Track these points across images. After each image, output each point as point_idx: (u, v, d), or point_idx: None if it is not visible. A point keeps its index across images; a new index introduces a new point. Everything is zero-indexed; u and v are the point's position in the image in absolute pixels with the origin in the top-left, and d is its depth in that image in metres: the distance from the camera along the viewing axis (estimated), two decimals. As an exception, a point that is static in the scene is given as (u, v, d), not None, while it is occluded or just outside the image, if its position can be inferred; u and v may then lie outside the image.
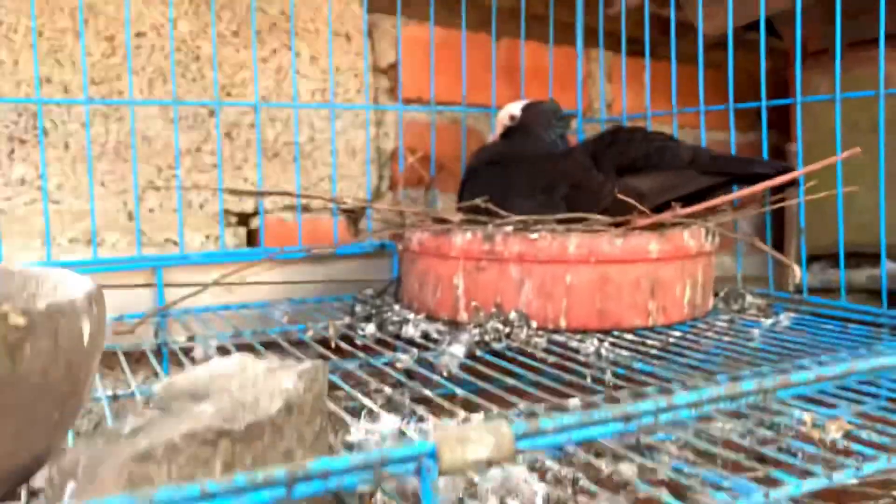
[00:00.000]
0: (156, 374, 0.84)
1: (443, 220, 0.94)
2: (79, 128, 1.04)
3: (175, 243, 1.09)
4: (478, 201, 0.94)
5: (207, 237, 1.12)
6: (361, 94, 1.23)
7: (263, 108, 1.14)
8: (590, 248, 0.82)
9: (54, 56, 1.02)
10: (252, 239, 1.16)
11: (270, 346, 0.88)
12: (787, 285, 1.32)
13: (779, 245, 1.32)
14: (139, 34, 1.07)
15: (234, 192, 1.07)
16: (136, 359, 0.98)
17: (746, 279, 1.13)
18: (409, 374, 0.73)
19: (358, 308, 0.97)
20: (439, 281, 0.88)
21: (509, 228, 0.87)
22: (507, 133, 1.10)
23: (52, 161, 1.03)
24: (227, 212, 1.13)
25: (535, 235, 0.82)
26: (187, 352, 0.86)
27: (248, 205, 1.15)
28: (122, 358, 0.84)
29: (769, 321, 0.86)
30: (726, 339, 0.80)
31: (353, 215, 1.24)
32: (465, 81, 1.23)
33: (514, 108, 1.09)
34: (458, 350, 0.74)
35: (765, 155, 1.05)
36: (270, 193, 1.06)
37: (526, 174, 1.01)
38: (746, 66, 1.40)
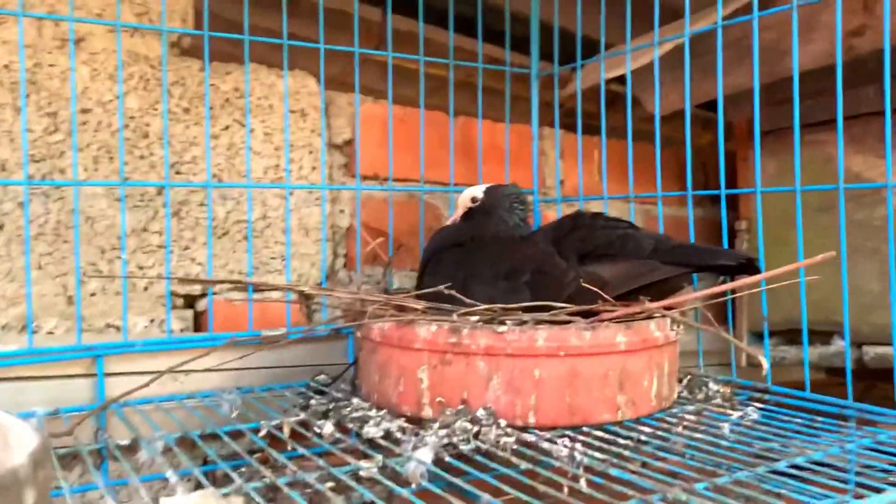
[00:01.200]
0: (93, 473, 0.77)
1: (405, 308, 0.91)
2: (15, 207, 0.98)
3: (117, 328, 1.03)
4: (441, 289, 0.91)
5: (152, 321, 1.06)
6: (316, 171, 1.20)
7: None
8: (559, 341, 0.80)
9: (-9, 132, 0.97)
10: (199, 321, 1.11)
11: (217, 443, 0.82)
12: (741, 360, 1.33)
13: (727, 317, 1.32)
14: (84, 110, 1.03)
15: (185, 280, 1.02)
16: (73, 455, 0.91)
17: (704, 353, 1.12)
18: (373, 483, 0.68)
19: (313, 401, 0.92)
20: (402, 373, 0.85)
21: (475, 319, 0.84)
22: (468, 215, 1.09)
23: (-15, 243, 0.96)
24: (173, 293, 1.08)
25: (503, 328, 0.80)
26: (130, 452, 0.80)
27: (195, 288, 1.10)
28: (54, 461, 0.77)
29: (736, 414, 0.85)
30: (697, 435, 0.78)
31: (307, 298, 1.19)
32: (423, 159, 1.22)
33: (477, 191, 1.08)
34: (426, 455, 0.70)
35: (724, 241, 1.06)
36: (223, 282, 1.01)
37: (488, 259, 0.99)
38: (694, 141, 1.43)
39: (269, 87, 1.16)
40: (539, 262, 0.95)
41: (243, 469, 0.72)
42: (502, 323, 0.81)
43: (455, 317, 0.84)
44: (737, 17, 1.01)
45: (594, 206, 1.31)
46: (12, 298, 0.97)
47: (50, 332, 0.99)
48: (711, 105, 1.15)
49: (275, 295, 1.15)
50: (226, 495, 0.58)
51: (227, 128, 1.13)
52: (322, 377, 1.08)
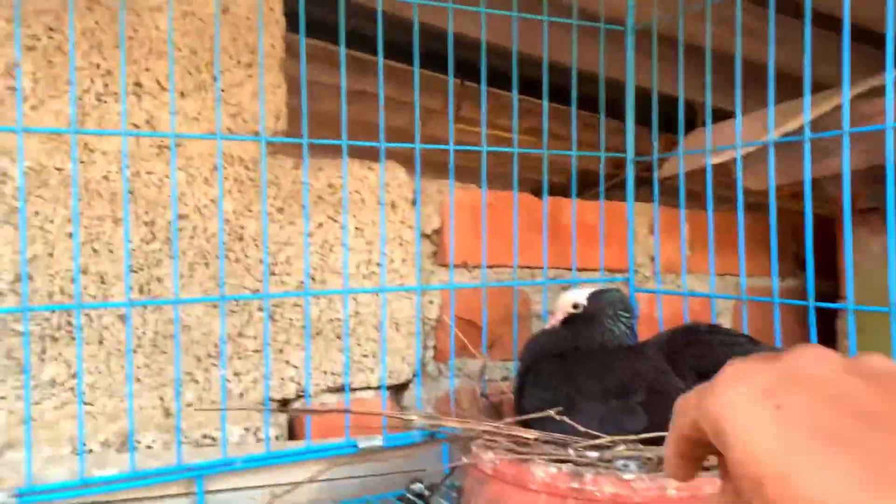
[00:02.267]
0: None
1: (517, 437, 0.86)
2: (115, 321, 0.96)
3: (213, 439, 1.01)
4: (551, 413, 0.87)
5: (247, 429, 1.04)
6: (407, 263, 1.17)
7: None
8: (692, 489, 0.74)
9: (91, 245, 0.96)
10: (292, 423, 1.08)
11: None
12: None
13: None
14: (181, 216, 1.01)
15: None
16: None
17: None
18: None
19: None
20: None
21: (593, 454, 0.79)
22: (569, 320, 1.04)
23: (86, 358, 0.95)
24: (270, 399, 1.06)
25: (629, 476, 0.75)
26: None
27: (289, 389, 1.07)
28: None
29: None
30: None
31: (396, 391, 1.16)
32: (517, 247, 1.17)
33: (579, 296, 1.03)
34: None
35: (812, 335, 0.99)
36: (328, 412, 0.97)
37: (596, 373, 0.94)
38: (789, 207, 1.37)
39: (360, 180, 1.13)
40: (653, 380, 0.90)
41: None
42: (628, 470, 0.77)
43: (572, 453, 0.80)
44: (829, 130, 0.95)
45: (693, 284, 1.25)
46: (111, 414, 0.96)
47: (148, 447, 0.97)
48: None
49: (366, 395, 1.12)
50: None
51: (320, 225, 1.10)
52: (417, 486, 1.05)
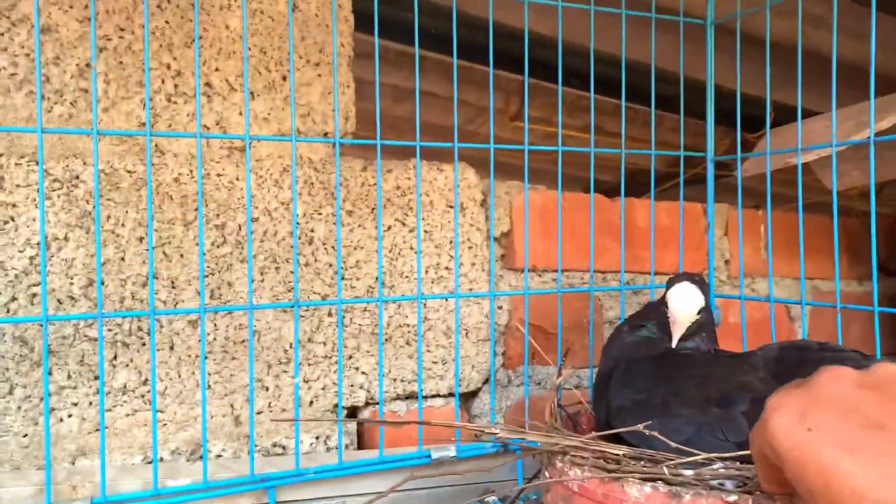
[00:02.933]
0: None
1: (604, 452, 0.82)
2: (185, 326, 0.94)
3: (283, 448, 0.98)
4: (639, 428, 0.82)
5: (317, 438, 1.01)
6: (475, 267, 1.13)
7: (376, 289, 1.04)
8: (796, 513, 0.70)
9: (161, 249, 0.94)
10: (361, 431, 1.06)
11: None
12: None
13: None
14: (251, 219, 0.99)
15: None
16: None
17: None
18: None
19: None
20: None
21: (689, 473, 0.75)
22: (665, 324, 0.95)
23: (156, 364, 0.93)
24: (336, 407, 1.03)
25: (732, 497, 0.71)
26: None
27: (359, 396, 1.05)
28: None
29: None
30: None
31: (465, 399, 1.13)
32: (593, 252, 1.13)
33: (698, 304, 0.92)
34: None
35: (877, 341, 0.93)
36: (404, 422, 0.94)
37: (697, 379, 0.88)
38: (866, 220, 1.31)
39: (430, 182, 1.10)
40: (760, 392, 0.85)
41: None
42: (730, 491, 0.72)
43: (666, 470, 0.75)
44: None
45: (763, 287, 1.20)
46: (181, 422, 0.94)
47: (218, 456, 0.95)
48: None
49: (436, 402, 1.09)
50: None
51: (388, 228, 1.07)
52: (491, 498, 1.02)
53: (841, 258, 1.41)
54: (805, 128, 1.15)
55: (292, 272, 1.00)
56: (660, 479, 0.75)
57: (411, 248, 1.08)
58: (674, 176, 1.65)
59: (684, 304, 0.91)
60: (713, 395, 0.85)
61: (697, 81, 1.18)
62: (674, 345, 0.92)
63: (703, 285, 0.93)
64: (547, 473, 0.88)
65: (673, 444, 0.80)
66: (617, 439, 0.86)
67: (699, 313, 0.91)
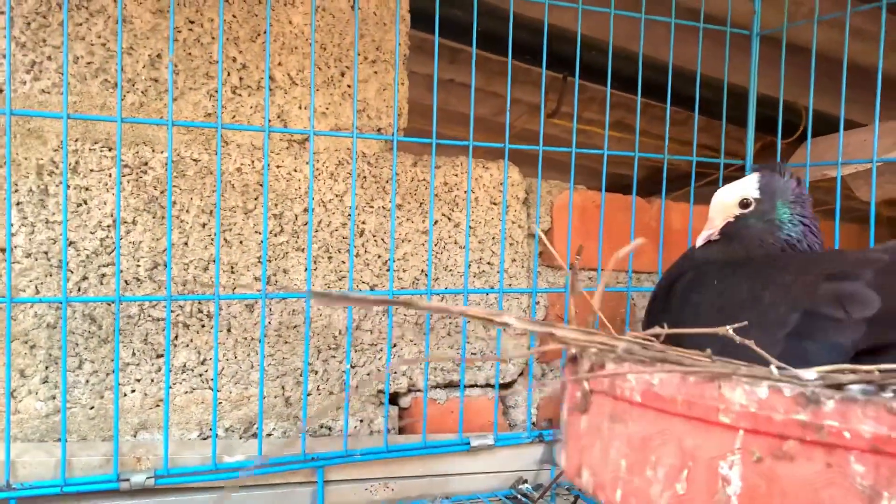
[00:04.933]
0: None
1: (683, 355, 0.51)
2: (242, 310, 0.99)
3: (329, 429, 1.03)
4: (726, 330, 0.52)
5: (361, 421, 1.05)
6: (516, 263, 1.17)
7: (423, 281, 1.08)
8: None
9: (223, 235, 0.98)
10: (402, 416, 1.10)
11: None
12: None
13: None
14: (306, 210, 1.03)
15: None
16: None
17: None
18: None
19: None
20: (686, 464, 0.48)
21: (810, 375, 0.44)
22: (732, 230, 0.80)
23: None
24: (379, 392, 1.07)
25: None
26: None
27: (401, 383, 1.09)
28: None
29: None
30: None
31: (504, 393, 1.17)
32: (632, 254, 1.16)
33: (749, 187, 0.79)
34: None
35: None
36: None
37: (790, 269, 0.70)
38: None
39: (476, 179, 1.14)
40: (887, 264, 0.65)
41: None
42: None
43: (812, 379, 0.43)
44: None
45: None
46: (236, 401, 0.98)
47: (269, 434, 1.00)
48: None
49: (473, 392, 1.13)
50: None
51: (435, 223, 1.11)
52: (525, 486, 1.06)
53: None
54: (826, 141, 1.18)
55: (343, 262, 1.04)
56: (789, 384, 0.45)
57: (456, 243, 1.11)
58: (706, 175, 1.68)
59: (721, 196, 0.80)
60: (820, 275, 0.65)
61: (736, 87, 1.21)
62: (698, 242, 0.80)
63: (771, 177, 0.79)
64: (585, 384, 0.53)
65: (774, 362, 0.46)
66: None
67: (746, 206, 0.77)
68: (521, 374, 1.17)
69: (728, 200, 0.80)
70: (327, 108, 1.04)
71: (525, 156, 1.15)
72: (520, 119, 1.87)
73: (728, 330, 0.51)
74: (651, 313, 0.81)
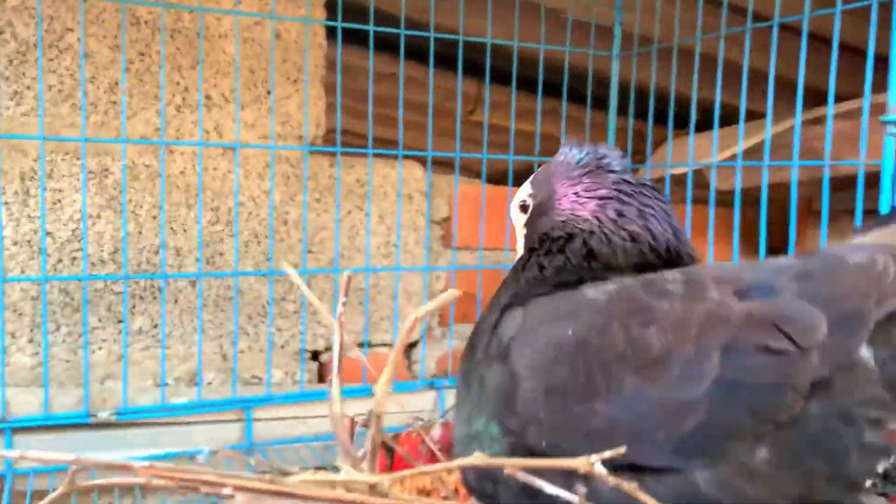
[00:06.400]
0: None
1: None
2: (186, 285, 1.24)
3: (259, 379, 1.29)
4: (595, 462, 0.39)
5: (286, 373, 1.32)
6: (419, 245, 1.42)
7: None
8: None
9: (170, 225, 1.23)
10: (322, 370, 1.36)
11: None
12: None
13: None
14: (238, 204, 1.28)
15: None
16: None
17: None
18: None
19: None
20: None
21: None
22: (539, 245, 0.64)
23: (165, 313, 1.23)
24: (303, 351, 1.33)
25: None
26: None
27: (319, 344, 1.35)
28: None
29: None
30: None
31: (408, 349, 1.43)
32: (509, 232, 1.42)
33: (526, 185, 0.67)
34: None
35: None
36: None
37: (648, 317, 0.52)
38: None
39: (384, 177, 1.39)
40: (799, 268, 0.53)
41: None
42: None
43: None
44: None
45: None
46: (183, 357, 1.24)
47: (209, 383, 1.26)
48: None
49: (382, 350, 1.40)
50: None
51: (349, 213, 1.36)
52: (418, 423, 1.32)
53: (741, 245, 1.69)
54: (697, 142, 1.42)
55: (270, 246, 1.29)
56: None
57: (368, 231, 1.37)
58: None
59: (512, 203, 0.66)
60: (722, 291, 0.51)
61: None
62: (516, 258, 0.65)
63: (548, 164, 0.64)
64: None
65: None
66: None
67: (525, 209, 0.64)
68: (424, 336, 1.43)
69: (512, 211, 0.67)
70: (255, 121, 1.29)
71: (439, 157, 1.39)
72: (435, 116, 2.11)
73: (594, 463, 0.37)
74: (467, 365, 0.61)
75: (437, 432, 1.10)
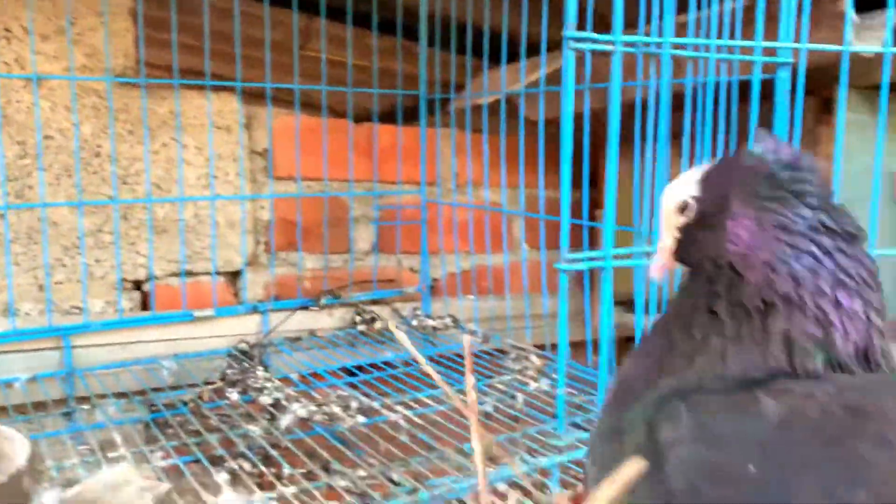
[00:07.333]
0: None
1: None
2: (-4, 218, 1.25)
3: (79, 309, 1.32)
4: None
5: (108, 302, 1.36)
6: (240, 175, 1.47)
7: (154, 193, 1.37)
8: None
9: (-26, 159, 1.23)
10: (145, 300, 1.41)
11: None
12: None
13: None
14: (47, 137, 1.29)
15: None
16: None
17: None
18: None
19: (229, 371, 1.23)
20: None
21: None
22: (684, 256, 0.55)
23: (-27, 246, 1.24)
24: (123, 279, 1.37)
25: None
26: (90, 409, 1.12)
27: (140, 273, 1.39)
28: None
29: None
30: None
31: (233, 276, 1.49)
32: (327, 161, 1.49)
33: (691, 178, 0.54)
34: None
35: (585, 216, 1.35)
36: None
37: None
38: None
39: (199, 108, 1.42)
40: None
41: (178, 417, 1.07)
42: None
43: None
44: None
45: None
46: (-3, 288, 1.26)
47: (27, 314, 1.29)
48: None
49: (204, 279, 1.45)
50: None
51: (164, 145, 1.39)
52: (243, 345, 1.40)
53: (549, 173, 1.83)
54: (494, 75, 1.52)
55: (82, 178, 1.31)
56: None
57: (183, 160, 1.40)
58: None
59: (667, 192, 0.55)
60: None
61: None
62: (651, 273, 0.57)
63: (729, 156, 0.53)
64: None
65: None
66: None
67: (684, 210, 0.53)
68: (249, 264, 1.50)
69: (666, 203, 0.55)
70: (59, 53, 1.29)
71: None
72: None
73: None
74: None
75: None
